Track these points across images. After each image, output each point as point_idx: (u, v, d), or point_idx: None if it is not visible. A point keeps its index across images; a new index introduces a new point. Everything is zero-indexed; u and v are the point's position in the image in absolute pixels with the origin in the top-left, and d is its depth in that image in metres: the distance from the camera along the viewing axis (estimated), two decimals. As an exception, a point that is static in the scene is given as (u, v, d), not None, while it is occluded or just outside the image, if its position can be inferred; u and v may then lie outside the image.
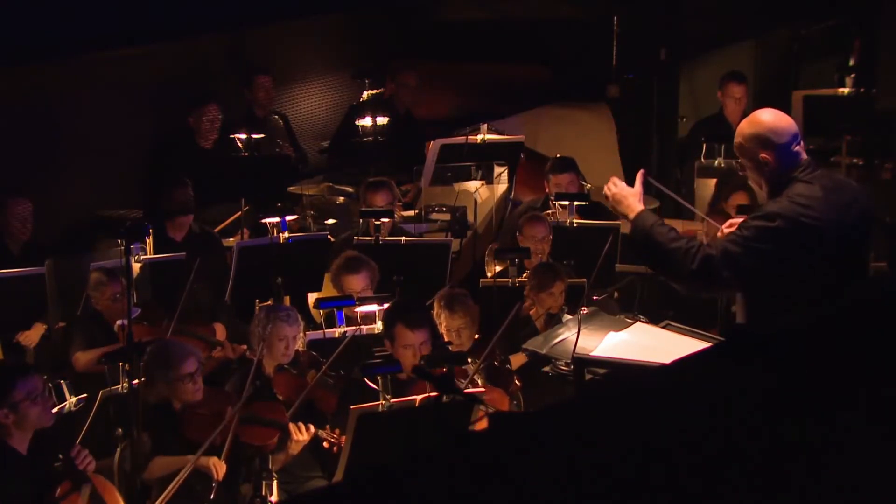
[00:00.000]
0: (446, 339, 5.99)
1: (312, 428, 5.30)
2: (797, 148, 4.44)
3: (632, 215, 4.54)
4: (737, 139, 4.54)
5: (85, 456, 4.73)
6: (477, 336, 6.20)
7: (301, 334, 5.91)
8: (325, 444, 5.35)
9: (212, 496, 5.07)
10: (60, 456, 4.69)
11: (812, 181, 4.39)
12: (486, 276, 6.82)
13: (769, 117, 4.48)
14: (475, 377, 5.55)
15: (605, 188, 4.69)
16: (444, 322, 6.09)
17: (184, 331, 6.18)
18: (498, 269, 6.82)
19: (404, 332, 5.54)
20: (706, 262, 4.33)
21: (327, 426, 5.41)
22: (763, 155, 4.41)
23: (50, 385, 5.23)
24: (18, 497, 4.64)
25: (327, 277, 7.06)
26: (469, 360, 5.71)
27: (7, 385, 4.68)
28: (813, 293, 4.31)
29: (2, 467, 4.65)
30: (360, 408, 4.92)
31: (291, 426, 5.26)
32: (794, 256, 4.34)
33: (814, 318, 2.86)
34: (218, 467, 5.06)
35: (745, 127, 4.51)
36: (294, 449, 5.30)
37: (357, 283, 6.34)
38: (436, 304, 6.18)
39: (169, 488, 4.87)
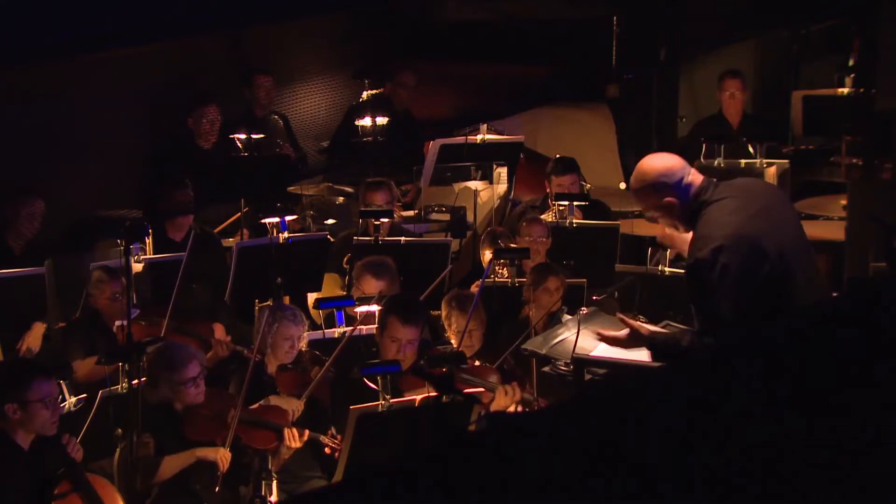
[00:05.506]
0: (455, 342, 5.99)
1: (307, 434, 5.31)
2: (690, 178, 4.45)
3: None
4: (635, 196, 4.59)
5: (74, 444, 4.75)
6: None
7: (305, 334, 5.92)
8: (327, 450, 5.36)
9: (216, 489, 5.10)
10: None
11: (722, 197, 4.39)
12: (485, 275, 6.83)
13: (653, 163, 4.52)
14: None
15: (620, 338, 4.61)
16: (454, 323, 6.09)
17: (179, 329, 6.17)
18: (488, 255, 6.84)
19: (395, 325, 5.56)
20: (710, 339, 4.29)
21: (330, 431, 5.43)
22: (665, 199, 4.43)
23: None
24: (19, 492, 4.65)
25: (327, 277, 7.06)
26: (478, 361, 5.74)
27: (23, 381, 4.69)
28: (787, 295, 4.30)
29: (4, 461, 4.66)
30: (359, 408, 4.92)
31: (286, 432, 5.26)
32: (754, 272, 4.28)
33: (813, 315, 2.87)
34: (224, 459, 5.09)
35: (636, 183, 4.54)
36: (285, 454, 5.30)
37: (373, 287, 6.30)
38: (444, 306, 6.18)
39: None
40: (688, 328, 4.56)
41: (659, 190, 4.44)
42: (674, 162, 4.50)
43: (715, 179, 4.56)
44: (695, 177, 4.47)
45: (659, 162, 4.52)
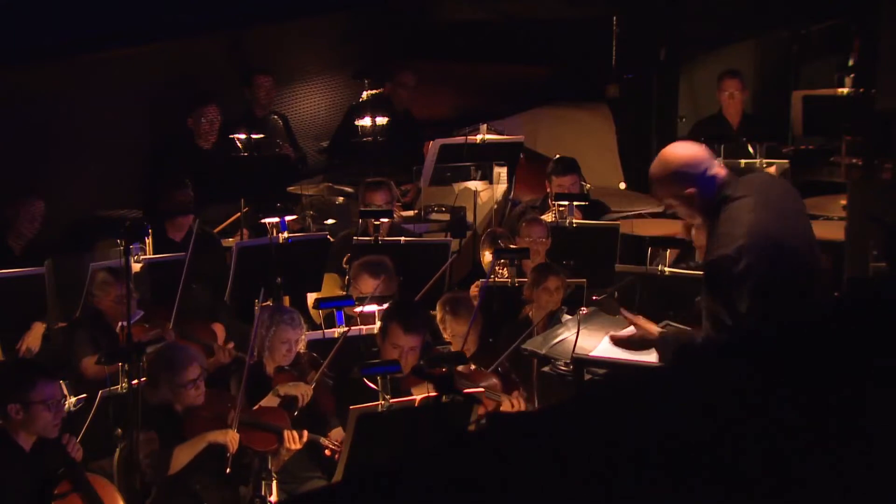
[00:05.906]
0: (452, 345, 5.99)
1: (306, 435, 5.31)
2: (714, 169, 4.29)
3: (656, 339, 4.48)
4: (654, 183, 4.41)
5: (74, 444, 4.75)
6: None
7: (303, 337, 5.92)
8: (327, 452, 5.37)
9: (227, 470, 5.10)
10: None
11: (743, 195, 4.24)
12: (484, 276, 6.82)
13: (678, 151, 4.36)
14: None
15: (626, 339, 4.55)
16: (448, 328, 6.09)
17: (183, 334, 6.17)
18: (488, 255, 6.84)
19: (397, 332, 5.56)
20: (715, 343, 4.17)
21: (330, 434, 5.43)
22: (687, 190, 4.27)
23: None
24: (20, 493, 4.65)
25: (327, 277, 7.06)
26: (473, 366, 5.74)
27: (27, 382, 4.69)
28: (798, 293, 4.27)
29: (5, 461, 4.66)
30: (359, 408, 4.92)
31: (286, 434, 5.26)
32: (776, 271, 4.19)
33: (813, 316, 2.87)
34: (233, 440, 5.10)
35: (657, 170, 4.36)
36: (285, 455, 5.30)
37: (369, 286, 6.30)
38: (439, 309, 6.17)
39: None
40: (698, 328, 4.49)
41: (681, 180, 4.27)
42: (699, 151, 4.33)
43: (735, 175, 4.44)
44: (719, 169, 4.30)
45: (683, 150, 4.35)
